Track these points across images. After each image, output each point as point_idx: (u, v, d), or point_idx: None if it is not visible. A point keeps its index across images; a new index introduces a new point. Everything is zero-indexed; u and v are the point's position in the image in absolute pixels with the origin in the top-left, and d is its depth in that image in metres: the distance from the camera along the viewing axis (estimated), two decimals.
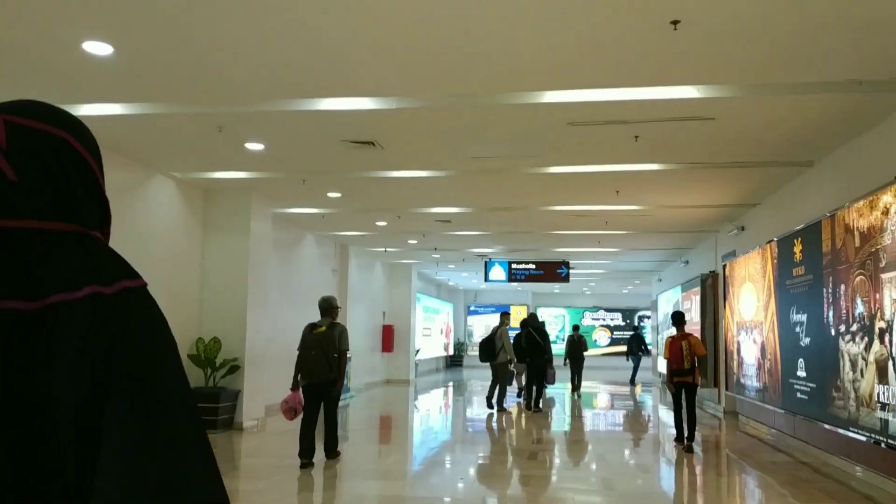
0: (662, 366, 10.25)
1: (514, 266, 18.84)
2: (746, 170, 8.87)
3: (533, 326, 13.72)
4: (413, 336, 21.39)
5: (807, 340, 8.29)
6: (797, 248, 8.63)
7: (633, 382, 19.30)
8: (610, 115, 6.73)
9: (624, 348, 32.06)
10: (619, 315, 32.79)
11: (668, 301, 19.15)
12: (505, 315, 13.59)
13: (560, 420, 13.07)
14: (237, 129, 7.35)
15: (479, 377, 24.83)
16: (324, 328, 7.58)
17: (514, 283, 26.25)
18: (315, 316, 7.96)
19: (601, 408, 16.11)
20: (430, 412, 14.96)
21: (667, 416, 12.43)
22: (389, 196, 10.77)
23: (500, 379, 13.06)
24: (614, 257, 18.77)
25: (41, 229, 0.77)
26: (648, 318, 31.24)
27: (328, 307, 7.87)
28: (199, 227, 10.50)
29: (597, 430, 12.06)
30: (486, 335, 13.34)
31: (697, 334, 14.46)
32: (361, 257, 18.19)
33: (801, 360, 8.50)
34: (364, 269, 18.73)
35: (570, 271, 19.35)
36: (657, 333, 21.49)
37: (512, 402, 14.50)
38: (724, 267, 12.66)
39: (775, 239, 9.55)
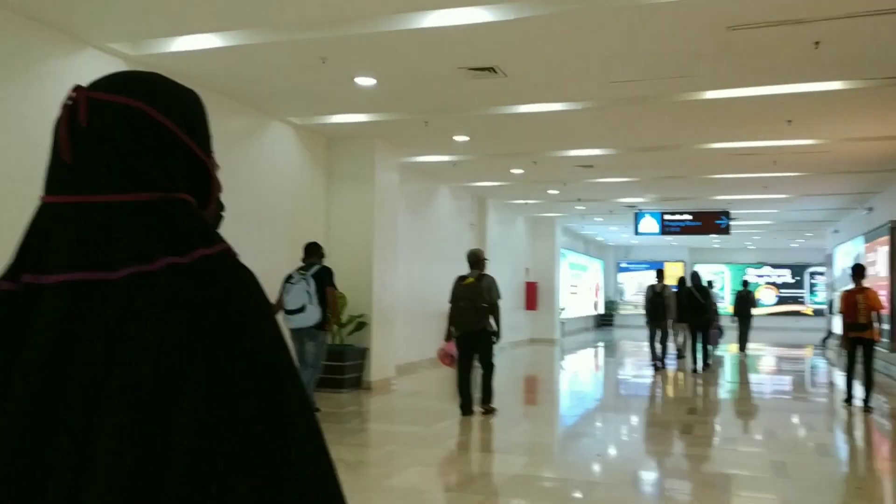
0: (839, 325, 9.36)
1: (667, 217, 17.28)
2: None
3: (694, 284, 13.17)
4: (558, 293, 20.36)
5: None
6: None
7: (742, 349, 17.43)
8: (782, 12, 5.39)
9: (796, 307, 29.65)
10: (787, 271, 30.03)
11: (847, 254, 16.92)
12: (660, 272, 13.25)
13: (723, 383, 12.31)
14: (342, 59, 6.62)
15: (632, 337, 23.50)
16: (472, 280, 7.73)
17: (668, 237, 24.55)
18: (451, 272, 8.07)
19: (768, 371, 14.49)
20: (582, 374, 13.99)
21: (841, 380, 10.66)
22: (521, 137, 9.78)
23: (665, 337, 13.08)
24: (782, 205, 16.75)
25: (105, 202, 0.80)
26: (822, 274, 28.40)
27: (476, 259, 8.00)
28: (322, 177, 10.02)
29: (763, 395, 11.16)
30: (650, 295, 12.95)
31: (886, 290, 12.55)
32: (501, 211, 17.33)
33: None
34: (505, 224, 17.88)
35: (731, 222, 17.48)
36: (832, 291, 19.20)
37: (671, 363, 13.99)
38: None
39: None
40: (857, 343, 8.75)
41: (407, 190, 12.31)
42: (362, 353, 9.75)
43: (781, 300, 29.87)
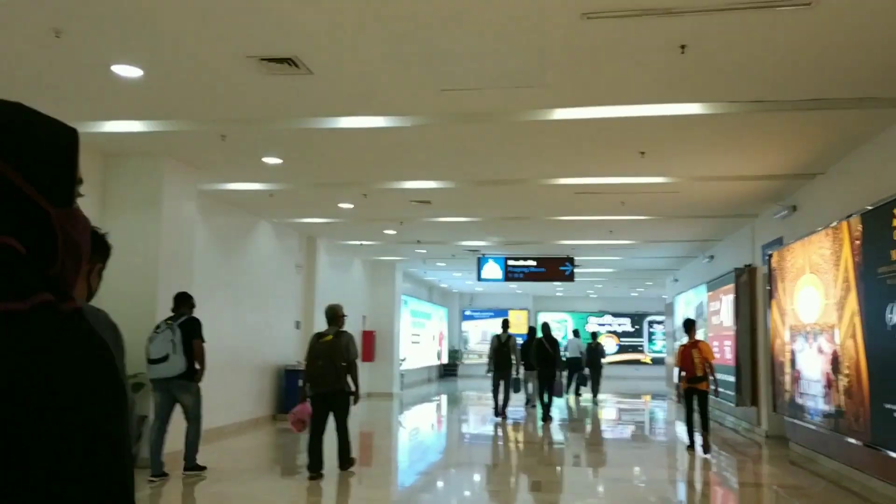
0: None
1: (510, 263, 16.35)
2: (828, 114, 6.42)
3: (544, 335, 13.40)
4: (397, 343, 18.90)
5: None
6: None
7: (595, 397, 18.20)
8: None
9: (635, 356, 29.85)
10: (627, 320, 30.27)
11: (689, 303, 16.66)
12: (505, 322, 13.55)
13: (573, 432, 12.55)
14: (85, 35, 4.89)
15: (477, 388, 22.43)
16: (330, 337, 7.51)
17: (512, 284, 23.84)
18: (272, 320, 8.12)
19: (616, 418, 13.70)
20: (423, 430, 12.48)
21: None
22: (343, 161, 8.31)
23: (508, 387, 13.20)
24: (627, 252, 16.29)
25: None
26: (660, 323, 28.80)
27: (334, 315, 7.77)
28: (96, 202, 8.05)
29: (613, 442, 10.57)
30: (495, 345, 13.20)
31: (731, 341, 12.05)
32: (334, 252, 15.73)
33: None
34: (339, 267, 16.27)
35: (576, 269, 16.86)
36: (673, 339, 19.00)
37: (518, 413, 14.23)
38: (769, 258, 10.17)
39: (858, 213, 7.07)
40: (692, 393, 9.42)
41: (215, 224, 10.49)
42: (138, 423, 7.74)
43: (622, 349, 30.00)
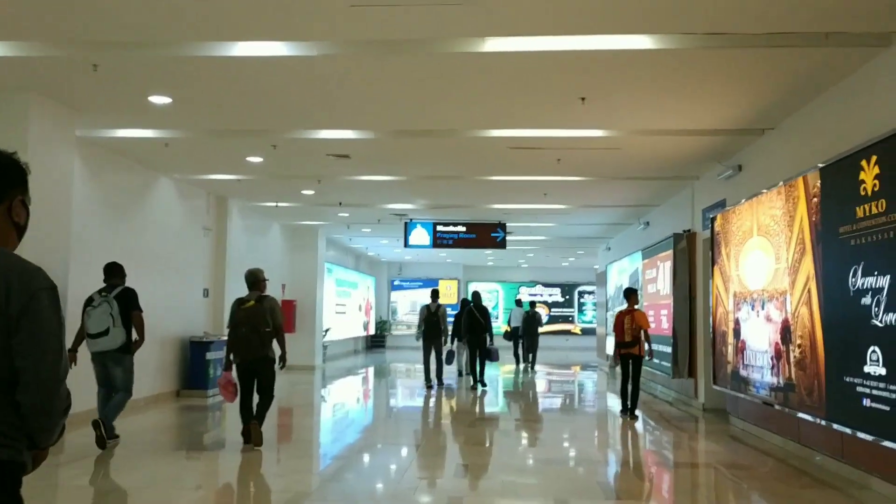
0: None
1: (439, 228, 15.48)
2: (788, 53, 5.69)
3: (475, 304, 13.49)
4: (320, 313, 17.85)
5: (891, 318, 5.18)
6: (868, 175, 5.50)
7: (532, 367, 18.24)
8: None
9: (565, 326, 29.54)
10: (557, 290, 29.89)
11: (623, 272, 16.12)
12: (435, 292, 13.69)
13: (505, 399, 12.51)
14: None
15: (406, 359, 21.70)
16: (252, 302, 7.24)
17: (442, 252, 23.07)
18: (174, 288, 7.60)
19: (550, 387, 13.07)
20: (348, 403, 11.52)
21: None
22: (245, 102, 7.21)
23: (439, 356, 13.23)
24: (561, 218, 15.59)
25: None
26: (590, 293, 28.52)
27: (255, 280, 7.49)
28: None
29: (547, 409, 10.74)
30: (425, 315, 13.20)
31: (668, 309, 11.50)
32: (249, 215, 14.54)
33: (874, 348, 5.41)
34: (255, 232, 15.10)
35: (508, 237, 16.12)
36: (605, 309, 18.54)
37: (449, 382, 14.04)
38: (712, 221, 9.55)
39: (817, 167, 6.42)
40: (626, 359, 9.65)
41: (103, 180, 9.27)
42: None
43: (552, 319, 29.63)
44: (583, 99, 6.90)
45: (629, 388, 9.64)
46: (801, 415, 6.74)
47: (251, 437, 7.13)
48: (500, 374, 17.14)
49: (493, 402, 12.20)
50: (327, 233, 18.39)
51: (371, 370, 19.00)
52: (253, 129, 8.29)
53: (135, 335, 7.30)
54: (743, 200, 8.34)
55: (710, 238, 9.70)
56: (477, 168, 10.39)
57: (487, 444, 8.09)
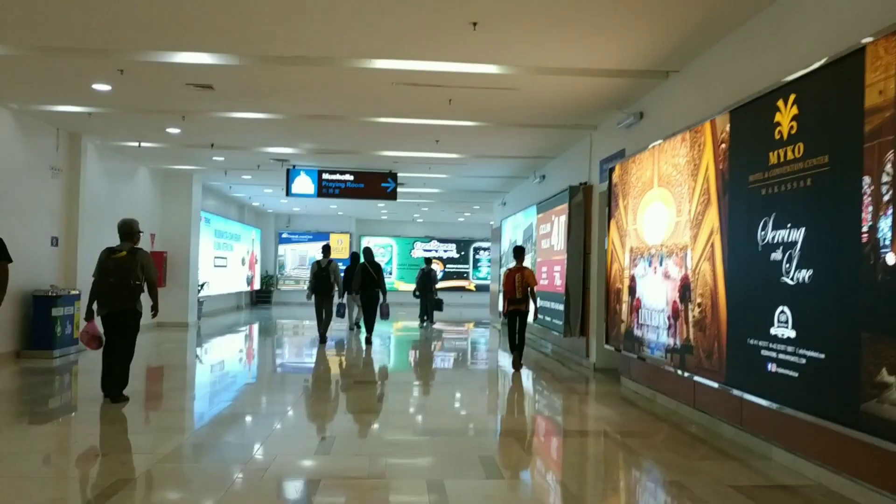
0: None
1: (325, 176, 14.44)
2: None
3: (367, 259, 13.32)
4: (195, 267, 16.51)
5: (803, 275, 4.67)
6: (785, 117, 4.93)
7: (431, 321, 18.53)
8: None
9: (460, 283, 29.09)
10: (453, 246, 29.34)
11: (518, 227, 15.58)
12: (326, 247, 13.44)
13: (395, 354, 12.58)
14: None
15: (294, 315, 20.75)
16: (124, 253, 7.01)
17: (333, 204, 21.97)
18: (14, 234, 6.93)
19: (445, 342, 12.46)
20: (228, 361, 10.46)
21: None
22: (74, 12, 5.97)
23: (330, 312, 13.14)
24: (454, 169, 14.82)
25: None
26: (486, 249, 28.13)
27: (129, 231, 7.23)
28: None
29: (441, 362, 10.81)
30: (315, 270, 12.99)
31: (563, 265, 11.02)
32: (110, 157, 13.04)
33: (783, 308, 4.90)
34: (118, 176, 13.61)
35: (399, 188, 15.29)
36: (500, 266, 18.05)
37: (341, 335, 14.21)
38: (610, 172, 8.99)
39: (726, 110, 5.85)
40: (514, 315, 9.97)
41: None
42: None
43: (447, 275, 29.11)
44: (474, 24, 6.07)
45: (517, 341, 9.96)
46: (698, 378, 6.28)
47: (111, 390, 6.97)
48: (392, 330, 16.45)
49: (383, 360, 11.73)
50: (204, 179, 16.95)
51: (254, 328, 17.86)
52: (92, 48, 7.01)
53: None
54: (646, 148, 7.77)
55: (607, 191, 9.15)
56: (362, 107, 9.43)
57: (362, 412, 7.31)
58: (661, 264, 7.16)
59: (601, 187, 9.97)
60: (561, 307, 11.06)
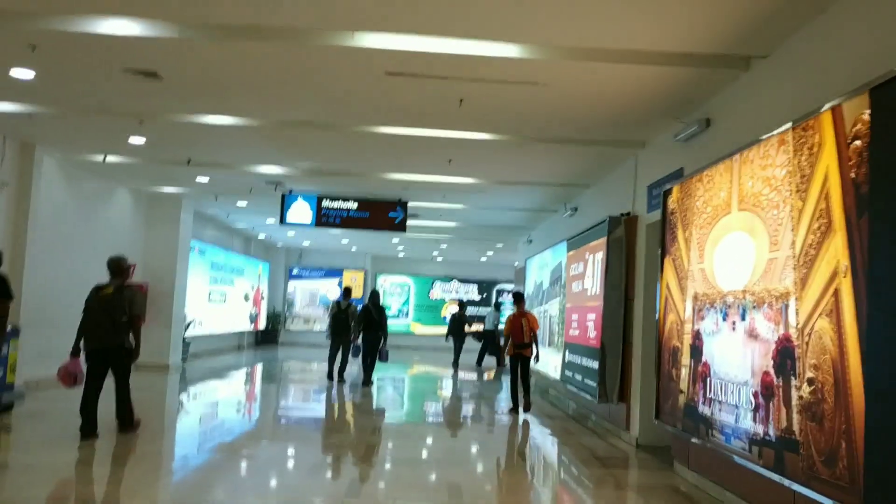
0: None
1: (325, 203, 12.66)
2: None
3: (372, 302, 13.13)
4: (180, 301, 14.70)
5: None
6: None
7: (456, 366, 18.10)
8: None
9: (482, 327, 26.92)
10: (474, 287, 27.32)
11: (545, 266, 13.57)
12: (347, 290, 13.72)
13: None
14: None
15: (301, 356, 19.07)
16: (111, 290, 7.11)
17: (345, 237, 20.15)
18: None
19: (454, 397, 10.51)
20: (192, 416, 8.46)
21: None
22: None
23: (346, 353, 13.37)
24: (471, 199, 12.94)
25: None
26: (509, 291, 26.06)
27: (118, 268, 7.32)
28: None
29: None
30: (335, 312, 13.36)
31: (598, 313, 9.04)
32: (78, 176, 11.38)
33: None
34: (90, 196, 12.00)
35: (410, 220, 13.45)
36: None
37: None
38: (665, 195, 7.01)
39: (865, 88, 3.88)
40: (518, 359, 10.23)
41: None
42: None
43: (468, 319, 26.98)
44: None
45: (519, 387, 10.31)
46: (805, 491, 4.21)
47: (93, 431, 7.01)
48: (406, 375, 14.50)
49: (392, 408, 11.07)
50: (196, 206, 15.24)
51: (245, 372, 15.97)
52: None
53: None
54: (718, 161, 5.79)
55: (660, 221, 7.16)
56: (349, 111, 7.60)
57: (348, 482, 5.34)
58: (742, 318, 5.14)
59: (649, 218, 8.02)
60: (594, 364, 9.03)
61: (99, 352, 7.04)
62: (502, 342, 11.78)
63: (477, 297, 27.25)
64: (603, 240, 8.99)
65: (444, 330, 26.88)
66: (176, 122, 8.24)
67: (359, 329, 12.96)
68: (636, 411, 8.10)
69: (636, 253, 8.49)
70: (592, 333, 9.25)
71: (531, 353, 10.15)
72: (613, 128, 7.74)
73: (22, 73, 6.73)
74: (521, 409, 10.26)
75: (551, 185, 11.16)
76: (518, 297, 10.68)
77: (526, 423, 9.74)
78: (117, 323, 6.99)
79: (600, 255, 9.17)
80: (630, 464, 7.37)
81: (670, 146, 7.38)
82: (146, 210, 14.21)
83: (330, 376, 13.19)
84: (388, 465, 6.90)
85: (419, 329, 26.43)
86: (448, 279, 27.19)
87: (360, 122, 7.98)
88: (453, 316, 19.22)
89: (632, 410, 8.26)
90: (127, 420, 7.31)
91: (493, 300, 25.15)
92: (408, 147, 9.04)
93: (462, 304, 20.10)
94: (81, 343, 7.10)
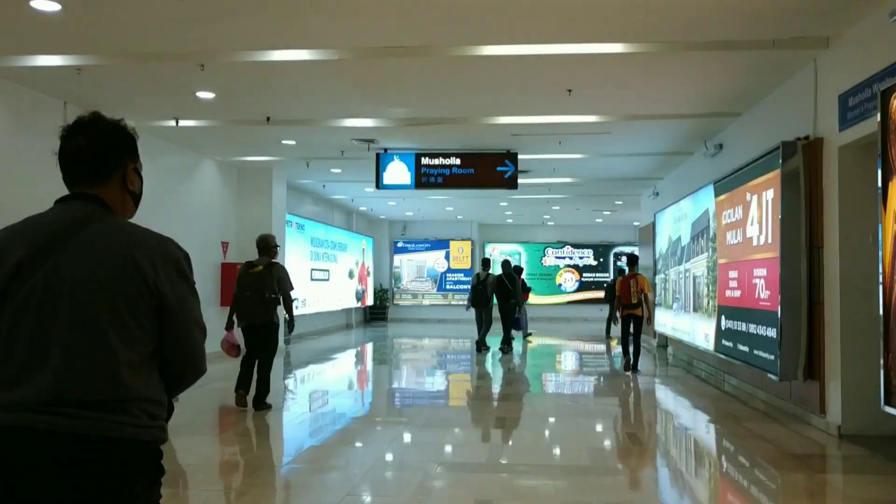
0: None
1: (424, 161, 11.19)
2: None
3: (504, 272, 13.58)
4: None
5: None
6: None
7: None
8: None
9: (599, 294, 24.98)
10: (590, 252, 25.35)
11: (682, 218, 11.57)
12: (486, 261, 14.15)
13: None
14: None
15: (413, 333, 18.09)
16: (261, 268, 7.39)
17: (449, 203, 18.72)
18: None
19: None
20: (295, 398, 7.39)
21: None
22: None
23: (488, 323, 13.59)
24: (592, 145, 11.12)
25: None
26: (628, 255, 23.98)
27: (266, 246, 7.57)
28: None
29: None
30: (475, 282, 13.59)
31: (772, 267, 7.13)
32: (156, 146, 10.37)
33: None
34: (171, 170, 11.05)
35: (521, 177, 11.73)
36: (653, 273, 14.09)
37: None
38: (885, 99, 5.06)
39: None
40: (629, 319, 10.75)
41: None
42: None
43: (582, 286, 25.19)
44: None
45: (630, 345, 10.75)
46: None
47: (247, 388, 7.39)
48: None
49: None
50: (288, 177, 14.13)
51: (353, 353, 14.89)
52: None
53: None
54: None
55: (865, 138, 5.23)
56: (447, 25, 6.01)
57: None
58: None
59: (841, 138, 6.09)
60: (769, 332, 7.16)
61: (251, 328, 7.34)
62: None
63: (593, 262, 25.29)
64: (775, 173, 7.05)
65: (560, 299, 25.27)
66: (242, 64, 6.93)
67: (491, 299, 13.35)
68: (835, 391, 6.22)
69: (822, 188, 6.55)
70: (765, 293, 7.34)
71: (642, 314, 10.61)
72: (788, 20, 5.83)
73: (46, 5, 5.52)
74: (631, 365, 10.71)
75: (691, 118, 9.21)
76: (632, 260, 11.33)
77: (676, 403, 8.01)
78: (267, 300, 7.26)
79: (770, 195, 7.25)
80: (828, 460, 5.58)
81: (879, 33, 5.42)
82: (235, 183, 13.20)
83: (479, 347, 13.45)
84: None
85: (532, 299, 24.81)
86: (560, 245, 25.35)
87: (461, 40, 6.39)
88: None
89: (828, 390, 6.39)
90: (262, 399, 7.38)
91: (613, 265, 23.19)
92: (519, 76, 7.40)
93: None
94: (234, 318, 7.39)
